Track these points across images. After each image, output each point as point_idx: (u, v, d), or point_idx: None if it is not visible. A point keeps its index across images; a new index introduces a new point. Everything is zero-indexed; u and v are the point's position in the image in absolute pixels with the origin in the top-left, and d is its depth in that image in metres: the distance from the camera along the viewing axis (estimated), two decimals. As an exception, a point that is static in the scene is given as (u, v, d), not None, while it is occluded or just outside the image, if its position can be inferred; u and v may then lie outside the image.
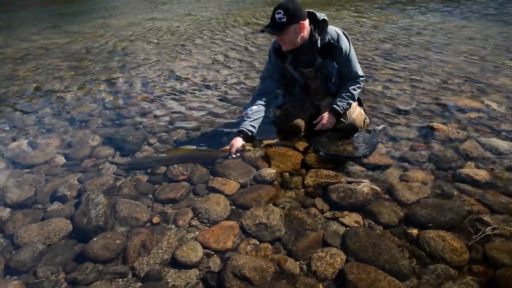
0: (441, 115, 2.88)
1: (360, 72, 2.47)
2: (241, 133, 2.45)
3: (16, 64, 5.10)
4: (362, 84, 2.51)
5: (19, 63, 5.15)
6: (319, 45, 2.33)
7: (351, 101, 2.48)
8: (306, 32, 2.29)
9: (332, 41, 2.34)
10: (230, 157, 2.39)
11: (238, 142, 2.42)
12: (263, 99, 2.53)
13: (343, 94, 2.47)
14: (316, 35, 2.32)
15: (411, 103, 3.13)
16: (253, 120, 2.47)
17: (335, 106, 2.46)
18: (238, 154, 2.42)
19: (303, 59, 2.40)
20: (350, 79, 2.47)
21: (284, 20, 2.16)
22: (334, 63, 2.41)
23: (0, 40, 6.92)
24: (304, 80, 2.53)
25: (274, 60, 2.48)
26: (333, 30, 2.37)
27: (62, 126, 3.05)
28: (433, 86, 3.50)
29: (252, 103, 2.55)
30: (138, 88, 3.88)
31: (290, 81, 2.57)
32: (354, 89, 2.47)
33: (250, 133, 2.46)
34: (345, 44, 2.36)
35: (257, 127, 2.50)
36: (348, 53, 2.38)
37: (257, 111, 2.50)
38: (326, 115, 2.50)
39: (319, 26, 2.33)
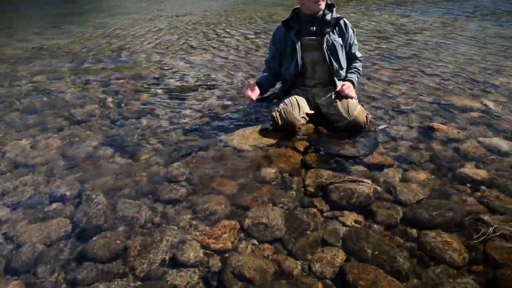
0: (441, 115, 2.88)
1: (360, 55, 2.85)
2: (256, 83, 2.75)
3: (16, 64, 5.10)
4: (362, 62, 2.91)
5: (19, 63, 5.15)
6: (329, 18, 2.63)
7: (358, 74, 2.83)
8: (324, 4, 2.60)
9: (343, 21, 2.69)
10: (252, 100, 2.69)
11: (254, 87, 2.67)
12: (271, 72, 2.87)
13: (353, 69, 2.80)
14: (327, 10, 2.65)
15: (411, 103, 3.13)
16: (264, 81, 2.81)
17: (348, 78, 2.73)
18: (257, 95, 2.69)
19: (310, 29, 2.66)
20: (354, 59, 2.81)
21: None
22: (340, 39, 2.69)
23: (0, 40, 6.92)
24: (302, 54, 2.67)
25: (280, 31, 2.74)
26: (341, 17, 2.72)
27: (62, 126, 3.05)
28: (433, 86, 3.50)
29: (262, 73, 2.92)
30: (138, 87, 3.88)
31: (290, 52, 2.71)
32: (360, 66, 2.84)
33: (262, 87, 2.76)
34: (352, 28, 2.74)
35: (268, 87, 2.88)
36: (354, 37, 2.75)
37: (267, 77, 2.85)
38: (346, 83, 2.67)
39: (329, 7, 2.67)
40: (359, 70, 2.83)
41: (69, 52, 5.63)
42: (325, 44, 2.63)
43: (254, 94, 2.64)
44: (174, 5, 10.96)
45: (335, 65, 2.68)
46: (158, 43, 5.92)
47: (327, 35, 2.63)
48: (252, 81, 2.78)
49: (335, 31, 2.67)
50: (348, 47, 2.74)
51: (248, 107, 3.21)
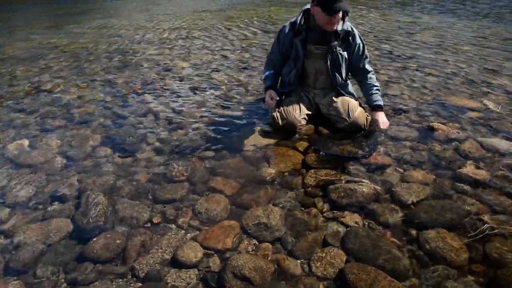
0: (441, 115, 2.89)
1: (371, 68, 2.73)
2: (269, 88, 2.70)
3: (16, 64, 5.10)
4: (374, 74, 2.78)
5: (19, 63, 5.15)
6: (339, 29, 2.50)
7: (379, 91, 2.71)
8: (337, 25, 2.48)
9: (350, 31, 2.55)
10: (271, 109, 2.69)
11: (273, 92, 2.63)
12: (275, 71, 2.77)
13: (374, 90, 2.67)
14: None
15: (411, 103, 3.13)
16: (274, 83, 2.76)
17: (377, 103, 2.65)
18: (277, 99, 2.64)
19: (318, 37, 2.51)
20: (366, 73, 2.69)
21: None
22: (345, 53, 2.57)
23: (0, 40, 6.92)
24: (305, 61, 2.60)
25: (286, 34, 2.60)
26: (350, 25, 2.57)
27: (62, 126, 3.05)
28: (433, 86, 3.50)
29: (266, 70, 2.81)
30: (138, 88, 3.88)
31: (294, 58, 2.63)
32: (376, 81, 2.72)
33: (275, 89, 2.72)
34: (361, 39, 2.61)
35: (276, 85, 2.80)
36: (362, 50, 2.62)
37: (274, 76, 2.77)
38: (379, 115, 2.62)
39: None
40: (378, 86, 2.70)
41: (69, 52, 5.62)
42: (329, 56, 2.54)
43: (275, 100, 2.62)
44: (174, 5, 10.96)
45: (338, 77, 2.63)
46: (158, 43, 5.92)
47: (334, 45, 2.52)
48: (269, 93, 2.66)
49: (343, 43, 2.55)
50: (355, 60, 2.62)
51: (248, 107, 3.21)
